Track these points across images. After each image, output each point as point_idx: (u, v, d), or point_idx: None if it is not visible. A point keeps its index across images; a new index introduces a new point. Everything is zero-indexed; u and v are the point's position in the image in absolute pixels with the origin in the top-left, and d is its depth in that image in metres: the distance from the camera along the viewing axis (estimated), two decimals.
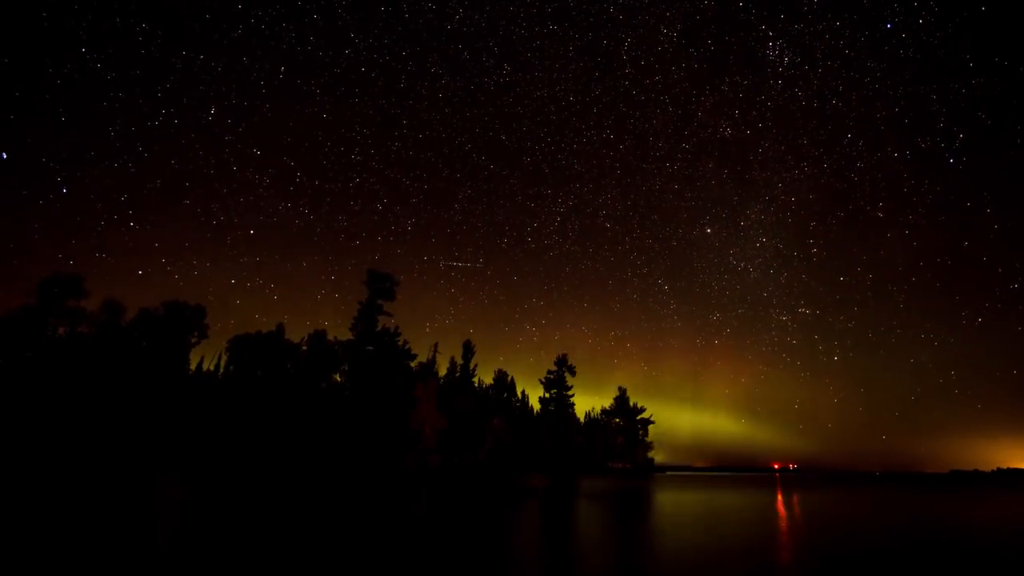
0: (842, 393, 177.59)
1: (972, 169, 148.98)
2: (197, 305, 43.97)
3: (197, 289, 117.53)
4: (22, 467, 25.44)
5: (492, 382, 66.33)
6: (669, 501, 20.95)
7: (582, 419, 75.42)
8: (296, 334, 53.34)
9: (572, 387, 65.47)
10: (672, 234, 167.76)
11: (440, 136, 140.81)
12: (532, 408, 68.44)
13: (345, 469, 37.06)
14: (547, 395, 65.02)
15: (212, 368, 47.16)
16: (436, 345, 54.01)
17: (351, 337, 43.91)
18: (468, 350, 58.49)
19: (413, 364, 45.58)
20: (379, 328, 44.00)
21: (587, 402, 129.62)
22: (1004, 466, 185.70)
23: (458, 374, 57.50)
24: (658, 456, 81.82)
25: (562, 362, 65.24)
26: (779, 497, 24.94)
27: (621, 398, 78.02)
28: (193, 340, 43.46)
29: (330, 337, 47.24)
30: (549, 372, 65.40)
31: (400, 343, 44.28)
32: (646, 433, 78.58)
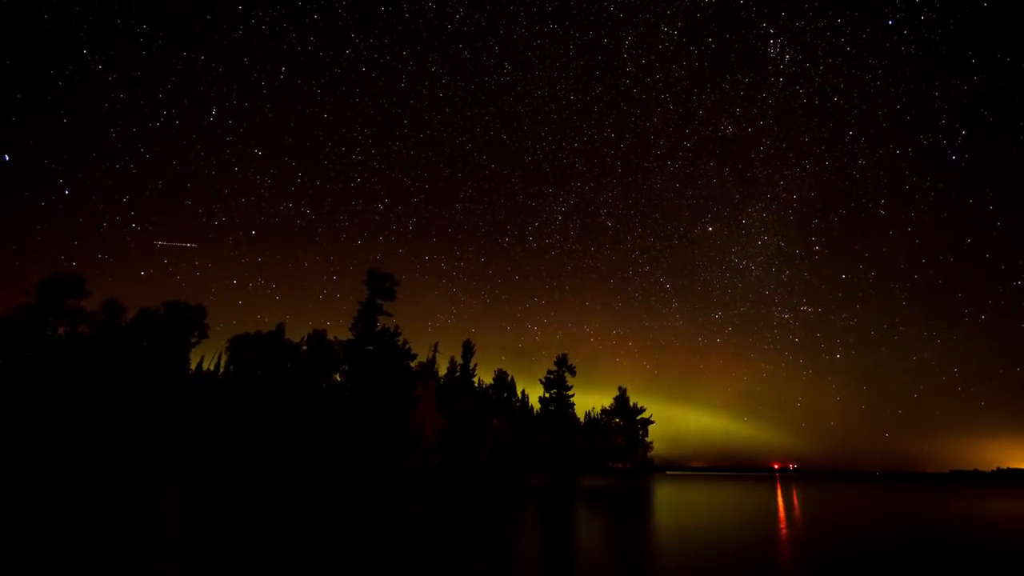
0: (844, 391, 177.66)
1: (974, 166, 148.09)
2: (197, 305, 44.01)
3: (198, 289, 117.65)
4: (22, 467, 25.47)
5: (492, 382, 66.37)
6: (669, 501, 20.96)
7: (582, 419, 75.58)
8: (297, 334, 53.61)
9: (572, 387, 65.47)
10: (674, 232, 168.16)
11: (441, 136, 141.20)
12: (532, 408, 68.48)
13: (345, 469, 37.09)
14: (547, 395, 65.02)
15: (212, 368, 47.17)
16: (436, 345, 54.01)
17: (351, 337, 43.91)
18: (468, 350, 58.50)
19: (413, 364, 45.59)
20: (379, 328, 44.00)
21: (590, 400, 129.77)
22: (1004, 466, 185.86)
23: (458, 374, 57.48)
24: (659, 452, 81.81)
25: (562, 362, 65.28)
26: (779, 497, 24.97)
27: (621, 398, 78.11)
28: (193, 340, 43.47)
29: (330, 337, 47.30)
30: (549, 372, 65.43)
31: (400, 343, 44.28)
32: (646, 433, 78.72)
